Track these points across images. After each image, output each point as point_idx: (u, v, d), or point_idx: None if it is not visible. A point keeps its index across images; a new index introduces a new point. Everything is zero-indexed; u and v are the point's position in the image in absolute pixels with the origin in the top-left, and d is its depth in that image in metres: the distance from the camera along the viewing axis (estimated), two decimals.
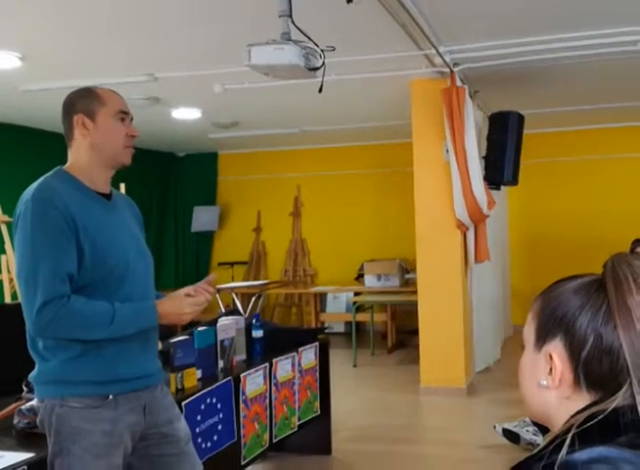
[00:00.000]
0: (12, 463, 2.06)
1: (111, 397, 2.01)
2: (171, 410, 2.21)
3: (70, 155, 2.12)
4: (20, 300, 2.05)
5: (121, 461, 2.04)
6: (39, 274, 1.93)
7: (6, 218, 5.84)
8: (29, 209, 1.96)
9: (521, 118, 5.82)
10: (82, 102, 2.09)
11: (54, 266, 1.93)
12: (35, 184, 2.02)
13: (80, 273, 1.98)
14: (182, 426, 2.23)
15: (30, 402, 2.41)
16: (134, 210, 2.29)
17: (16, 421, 2.40)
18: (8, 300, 5.69)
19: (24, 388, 2.56)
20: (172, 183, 9.84)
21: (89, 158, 2.08)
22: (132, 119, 2.16)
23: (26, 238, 1.95)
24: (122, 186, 5.29)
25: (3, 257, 5.87)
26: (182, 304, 2.08)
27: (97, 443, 1.98)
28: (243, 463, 3.34)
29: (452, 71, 5.30)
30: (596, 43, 4.70)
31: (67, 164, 2.12)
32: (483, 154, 5.78)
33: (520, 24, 4.49)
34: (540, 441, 3.97)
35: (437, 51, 4.79)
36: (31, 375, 2.07)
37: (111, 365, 2.02)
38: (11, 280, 5.73)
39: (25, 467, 2.07)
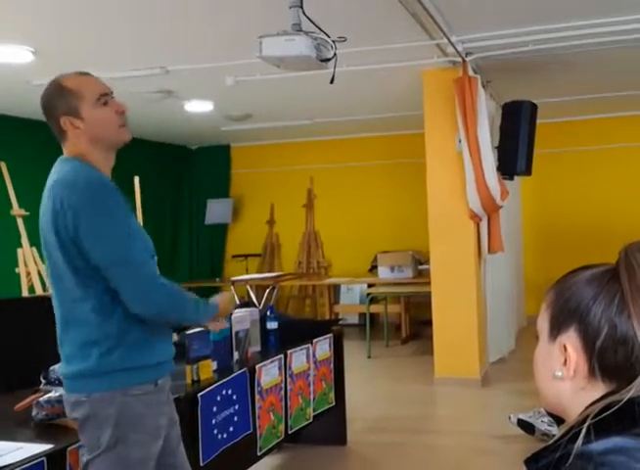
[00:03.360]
0: (31, 455, 2.09)
1: (159, 382, 2.07)
2: None
3: (73, 146, 2.04)
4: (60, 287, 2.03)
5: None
6: (136, 255, 1.98)
7: (22, 212, 5.86)
8: (97, 195, 1.94)
9: (534, 108, 5.77)
10: (60, 103, 2.01)
11: (145, 247, 2.06)
12: (81, 173, 1.96)
13: None
14: None
15: (48, 395, 2.44)
16: None
17: (34, 413, 2.42)
18: (25, 293, 5.72)
19: (42, 380, 2.58)
20: (185, 176, 9.86)
21: (92, 149, 2.03)
22: (112, 93, 2.06)
23: (108, 220, 1.94)
24: (136, 179, 5.30)
25: (19, 250, 5.87)
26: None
27: (156, 425, 2.06)
28: (259, 454, 3.35)
29: (464, 61, 5.26)
30: (609, 31, 4.66)
31: (75, 155, 2.03)
32: (496, 144, 5.74)
33: (532, 13, 4.46)
34: (555, 431, 3.96)
35: (449, 40, 4.76)
36: (80, 369, 1.98)
37: (156, 348, 2.08)
38: (28, 274, 5.76)
39: (44, 458, 2.10)
